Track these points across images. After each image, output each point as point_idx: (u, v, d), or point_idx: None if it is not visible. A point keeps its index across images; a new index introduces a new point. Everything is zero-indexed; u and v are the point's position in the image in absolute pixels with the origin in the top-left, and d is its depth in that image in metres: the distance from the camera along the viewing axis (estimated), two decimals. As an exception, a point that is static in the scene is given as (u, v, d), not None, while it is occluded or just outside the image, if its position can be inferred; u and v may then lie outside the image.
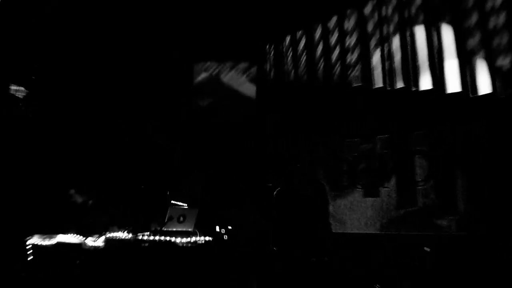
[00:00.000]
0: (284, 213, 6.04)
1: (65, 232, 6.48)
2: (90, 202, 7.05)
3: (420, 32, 7.26)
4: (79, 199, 7.01)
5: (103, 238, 6.40)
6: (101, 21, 7.89)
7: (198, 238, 6.47)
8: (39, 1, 7.58)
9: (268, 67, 8.72)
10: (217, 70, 8.87)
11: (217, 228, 7.04)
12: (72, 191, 7.06)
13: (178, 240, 6.33)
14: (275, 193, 6.17)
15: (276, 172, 7.58)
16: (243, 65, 8.82)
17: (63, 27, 7.78)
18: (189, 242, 6.37)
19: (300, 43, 8.39)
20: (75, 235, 6.45)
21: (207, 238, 6.55)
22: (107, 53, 8.12)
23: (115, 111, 8.23)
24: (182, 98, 8.58)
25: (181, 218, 6.66)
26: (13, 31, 7.48)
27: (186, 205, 7.34)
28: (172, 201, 7.24)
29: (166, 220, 6.64)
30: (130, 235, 6.44)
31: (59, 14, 7.65)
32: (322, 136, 8.03)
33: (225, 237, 7.05)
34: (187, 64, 8.85)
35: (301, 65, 8.36)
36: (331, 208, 7.30)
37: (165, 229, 6.56)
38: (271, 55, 8.76)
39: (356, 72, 7.78)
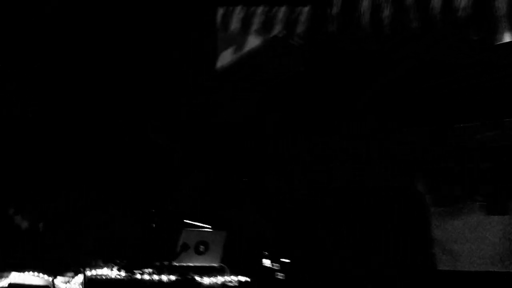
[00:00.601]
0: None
1: (21, 268, 4.56)
2: (41, 225, 5.26)
3: None
4: (23, 222, 5.17)
5: (80, 278, 4.45)
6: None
7: (228, 278, 4.60)
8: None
9: (333, 10, 5.25)
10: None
11: (266, 262, 5.02)
12: (11, 211, 5.21)
13: (198, 279, 4.45)
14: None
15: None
16: (286, 11, 5.57)
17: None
18: (215, 284, 4.49)
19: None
20: (37, 273, 4.54)
21: (243, 278, 4.67)
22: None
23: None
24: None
25: (202, 247, 4.73)
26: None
27: (209, 227, 5.33)
28: (186, 221, 5.11)
29: (178, 250, 4.69)
30: (123, 274, 4.56)
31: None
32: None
33: (280, 276, 4.96)
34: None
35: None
36: (434, 231, 5.38)
37: (177, 264, 4.66)
38: None
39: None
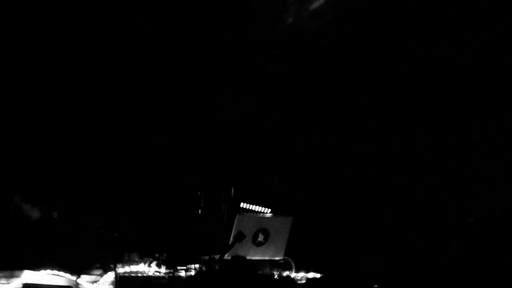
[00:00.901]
0: None
1: (37, 266, 3.69)
2: (55, 214, 4.66)
3: None
4: (33, 211, 4.51)
5: (110, 276, 3.65)
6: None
7: (294, 274, 3.70)
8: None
9: None
10: None
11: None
12: (16, 198, 4.57)
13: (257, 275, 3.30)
14: None
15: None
16: None
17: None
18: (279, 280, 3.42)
19: None
20: (56, 271, 3.66)
21: (313, 275, 3.74)
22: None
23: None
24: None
25: (261, 236, 3.80)
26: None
27: (268, 209, 4.33)
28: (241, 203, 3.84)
29: (231, 240, 3.73)
30: (164, 270, 3.68)
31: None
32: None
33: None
34: None
35: None
36: None
37: (229, 257, 3.62)
38: None
39: None
